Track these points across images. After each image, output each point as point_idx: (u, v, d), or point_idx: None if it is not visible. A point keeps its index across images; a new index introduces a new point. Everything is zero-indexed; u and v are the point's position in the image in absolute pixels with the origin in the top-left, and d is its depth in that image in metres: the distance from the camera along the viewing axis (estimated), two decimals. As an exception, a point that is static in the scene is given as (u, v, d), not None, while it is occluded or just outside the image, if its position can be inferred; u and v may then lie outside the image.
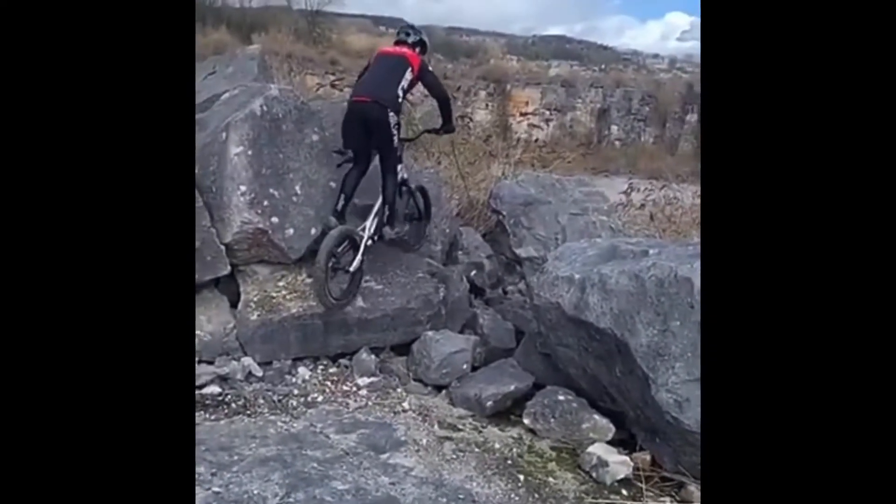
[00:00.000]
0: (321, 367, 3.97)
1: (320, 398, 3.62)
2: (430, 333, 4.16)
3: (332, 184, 4.40)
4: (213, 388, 3.54)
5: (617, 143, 26.15)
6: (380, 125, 4.22)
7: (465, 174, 7.13)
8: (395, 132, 4.26)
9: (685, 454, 2.99)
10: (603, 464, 3.04)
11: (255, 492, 2.58)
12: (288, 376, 3.81)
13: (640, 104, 26.31)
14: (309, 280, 4.13)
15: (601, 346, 3.26)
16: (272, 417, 3.33)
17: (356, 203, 4.53)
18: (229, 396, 3.51)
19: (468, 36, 39.71)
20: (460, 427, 3.41)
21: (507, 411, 3.64)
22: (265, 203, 4.02)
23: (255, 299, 4.03)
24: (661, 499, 2.96)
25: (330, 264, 3.97)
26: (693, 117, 25.23)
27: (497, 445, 3.23)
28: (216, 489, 2.55)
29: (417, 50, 4.63)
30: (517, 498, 2.82)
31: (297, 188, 4.20)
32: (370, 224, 4.33)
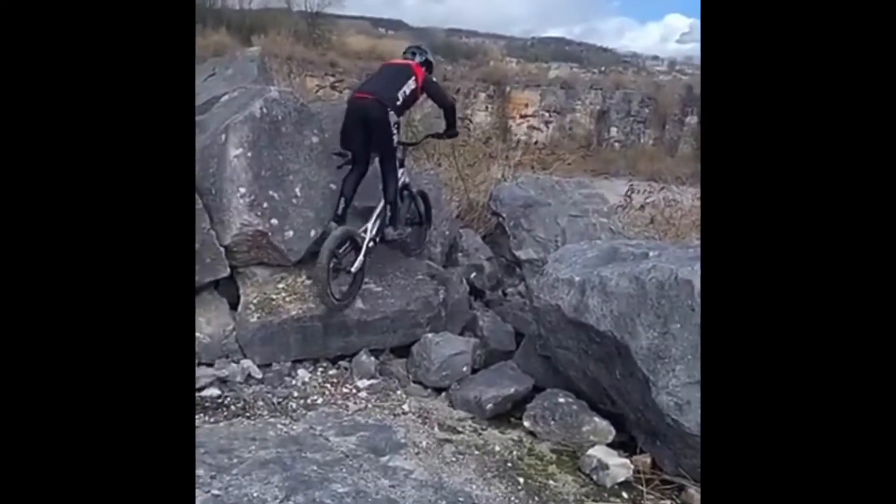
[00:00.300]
0: (321, 369, 3.97)
1: (320, 400, 3.61)
2: (429, 336, 4.15)
3: (332, 186, 4.39)
4: (213, 391, 3.54)
5: (616, 144, 26.16)
6: (379, 124, 4.23)
7: (464, 176, 7.14)
8: (394, 131, 4.27)
9: (685, 457, 2.98)
10: (603, 466, 3.03)
11: (255, 494, 2.57)
12: (287, 378, 3.80)
13: (640, 106, 26.32)
14: (308, 282, 4.13)
15: (601, 348, 3.26)
16: (272, 420, 3.32)
17: (356, 205, 4.53)
18: (229, 399, 3.51)
19: (468, 38, 39.77)
20: (460, 429, 3.40)
21: (507, 414, 3.64)
22: (265, 205, 4.01)
23: (255, 301, 4.02)
24: (662, 501, 2.95)
25: (332, 265, 3.97)
26: (692, 119, 25.24)
27: (497, 448, 3.22)
28: (216, 492, 2.55)
29: (423, 68, 4.69)
30: (517, 500, 2.81)
31: (297, 190, 4.19)
32: (372, 225, 4.33)
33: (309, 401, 3.59)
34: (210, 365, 3.73)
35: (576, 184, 6.73)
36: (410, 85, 4.41)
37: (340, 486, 2.72)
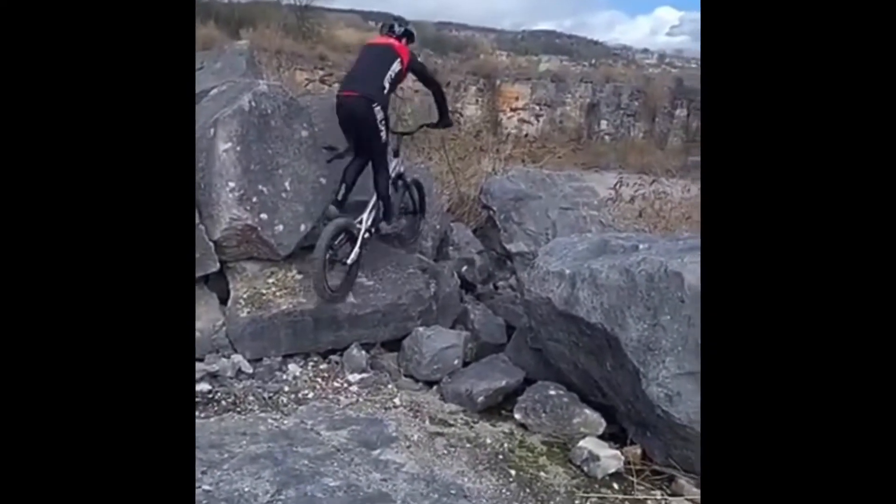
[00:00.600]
0: (312, 363, 3.96)
1: (311, 395, 3.61)
2: (420, 329, 4.15)
3: (322, 180, 4.37)
4: (203, 386, 3.52)
5: (607, 137, 26.17)
6: (366, 122, 4.19)
7: (455, 170, 7.12)
8: (381, 127, 4.22)
9: (675, 448, 3.00)
10: (594, 458, 3.04)
11: (246, 489, 2.57)
12: (278, 373, 3.79)
13: (630, 99, 26.33)
14: (299, 276, 4.13)
15: (592, 340, 3.27)
16: (262, 415, 3.32)
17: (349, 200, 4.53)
18: (219, 394, 3.50)
19: (458, 31, 39.64)
20: (451, 422, 3.41)
21: (498, 406, 3.64)
22: (254, 199, 4.00)
23: (245, 296, 4.01)
24: (652, 492, 2.97)
25: (327, 256, 3.97)
26: (682, 112, 25.31)
27: (488, 440, 3.23)
28: (206, 487, 2.54)
29: (404, 41, 4.58)
30: (508, 493, 2.82)
31: (287, 184, 4.17)
32: (367, 217, 4.33)
33: (300, 395, 3.59)
34: (200, 360, 3.71)
35: (566, 177, 6.76)
36: (395, 67, 4.33)
37: (332, 479, 2.72)
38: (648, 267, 3.07)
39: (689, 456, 2.97)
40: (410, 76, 4.67)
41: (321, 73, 19.66)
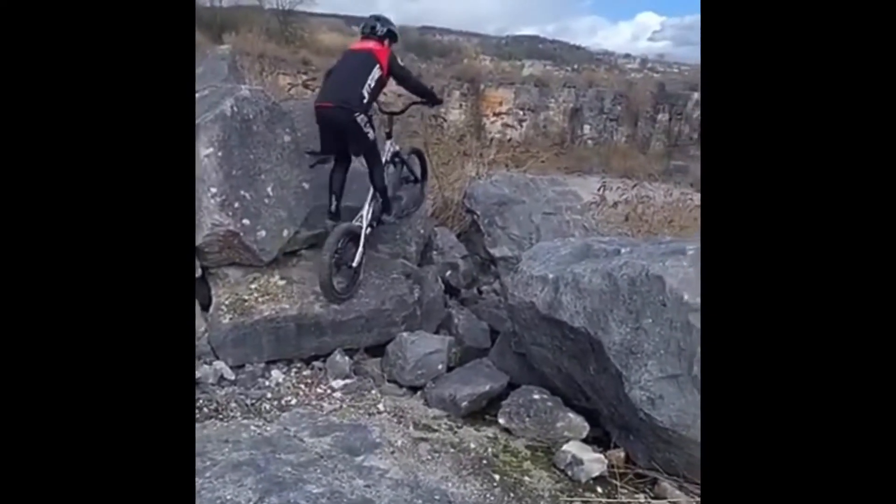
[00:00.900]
0: (295, 369, 3.94)
1: (294, 401, 3.59)
2: (404, 334, 4.15)
3: (305, 185, 4.36)
4: (185, 393, 3.49)
5: (590, 142, 26.34)
6: (349, 129, 4.20)
7: (439, 174, 7.14)
8: (366, 130, 4.23)
9: (658, 451, 3.02)
10: (577, 462, 3.05)
11: (229, 497, 2.54)
12: (261, 379, 3.77)
13: (613, 104, 26.53)
14: (282, 282, 4.13)
15: (575, 344, 3.28)
16: (245, 421, 3.29)
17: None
18: (201, 401, 3.46)
19: (441, 35, 39.76)
20: (435, 428, 3.40)
21: (482, 411, 3.65)
22: (236, 205, 3.97)
23: (227, 302, 3.98)
24: (636, 495, 2.98)
25: (333, 260, 4.05)
26: (664, 116, 25.53)
27: (472, 445, 3.23)
28: (188, 496, 2.51)
29: (386, 42, 4.53)
30: (492, 498, 2.82)
31: (269, 189, 4.16)
32: (366, 214, 4.40)
33: (283, 402, 3.56)
34: (182, 367, 3.67)
35: (549, 181, 6.77)
36: (375, 75, 4.29)
37: (315, 486, 2.70)
38: (630, 271, 3.08)
39: (671, 459, 2.99)
40: None
41: (304, 77, 19.58)
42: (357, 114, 4.15)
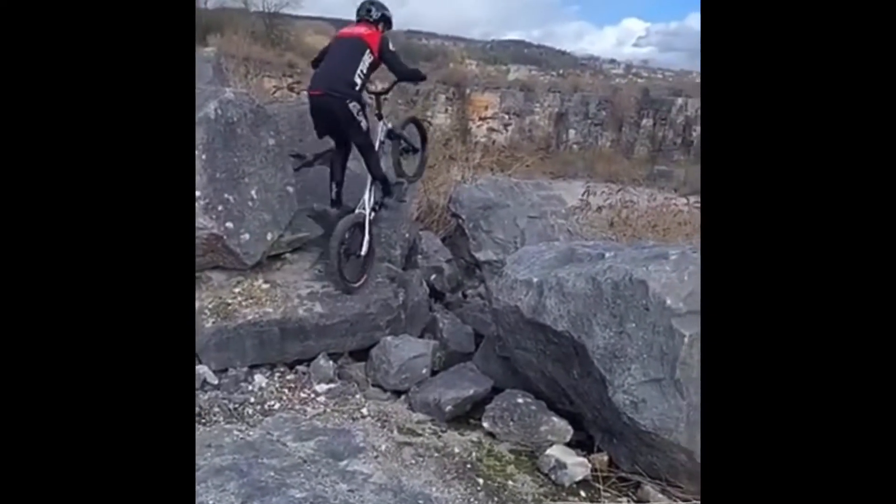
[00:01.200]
0: (278, 374, 3.91)
1: (277, 405, 3.57)
2: (389, 338, 4.13)
3: (289, 188, 4.35)
4: (167, 398, 3.46)
5: (575, 146, 26.50)
6: (341, 117, 4.25)
7: (424, 178, 7.12)
8: (359, 118, 4.28)
9: (641, 454, 3.03)
10: (561, 466, 3.06)
11: (211, 502, 2.52)
12: (244, 384, 3.74)
13: (597, 108, 26.71)
14: (265, 286, 4.11)
15: (559, 348, 3.29)
16: (228, 426, 3.27)
17: (315, 208, 4.53)
18: (183, 405, 3.43)
19: (427, 40, 39.80)
20: (419, 432, 3.40)
21: (466, 415, 3.64)
22: (220, 208, 3.95)
23: (210, 306, 3.95)
24: (619, 499, 2.99)
25: (342, 251, 4.17)
26: (648, 122, 25.72)
27: (456, 450, 3.23)
28: (169, 501, 2.49)
29: (380, 26, 4.53)
30: (476, 502, 2.82)
31: (253, 193, 4.14)
32: (367, 203, 4.48)
33: (266, 406, 3.54)
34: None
35: (534, 185, 6.79)
36: (366, 60, 4.31)
37: (298, 491, 2.69)
38: (614, 275, 3.10)
39: (654, 462, 3.00)
40: None
41: (289, 80, 19.54)
42: (349, 101, 4.19)
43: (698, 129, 24.41)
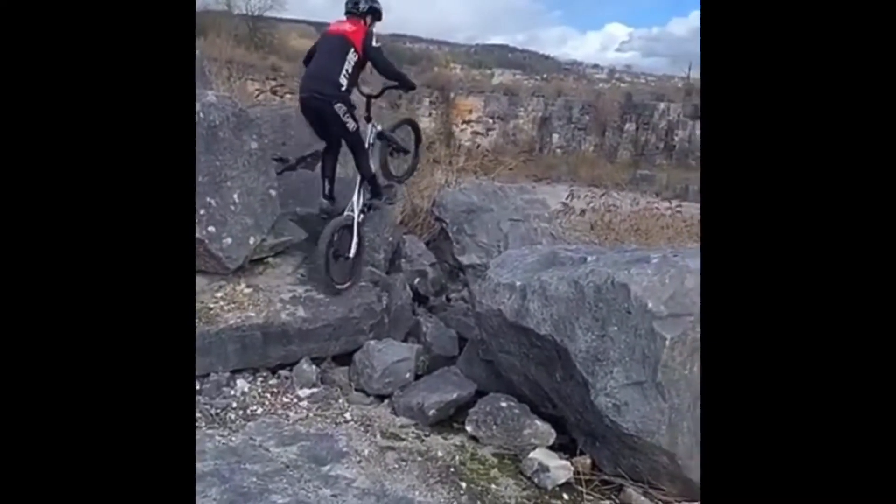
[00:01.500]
0: (260, 378, 3.89)
1: (260, 410, 3.55)
2: (372, 343, 4.12)
3: (272, 192, 4.33)
4: (148, 403, 3.42)
5: (558, 150, 26.57)
6: (329, 118, 4.29)
7: (408, 182, 7.12)
8: (346, 120, 4.30)
9: (624, 457, 3.05)
10: (544, 469, 3.07)
11: (191, 509, 2.50)
12: (226, 389, 3.71)
13: (581, 113, 26.80)
14: (248, 290, 4.08)
15: (542, 352, 3.30)
16: (210, 431, 3.24)
17: (298, 211, 4.51)
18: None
19: (412, 43, 39.84)
20: (403, 436, 3.39)
21: (449, 419, 3.64)
22: (201, 212, 3.92)
23: (192, 310, 3.92)
24: (602, 502, 3.01)
25: (330, 253, 4.20)
26: (631, 126, 25.88)
27: (440, 454, 3.23)
28: (149, 508, 2.47)
29: (369, 19, 4.50)
30: (459, 506, 2.82)
31: (235, 196, 4.11)
32: (356, 204, 4.50)
33: (248, 411, 3.52)
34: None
35: (518, 189, 6.81)
36: (351, 60, 4.29)
37: (281, 497, 2.68)
38: (596, 279, 3.12)
39: (636, 465, 3.02)
40: None
41: (273, 83, 19.49)
42: (335, 102, 4.21)
43: (680, 133, 24.65)
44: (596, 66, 42.91)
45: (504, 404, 3.48)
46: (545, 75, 35.67)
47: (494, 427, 3.40)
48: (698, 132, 23.48)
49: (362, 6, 4.48)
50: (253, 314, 3.93)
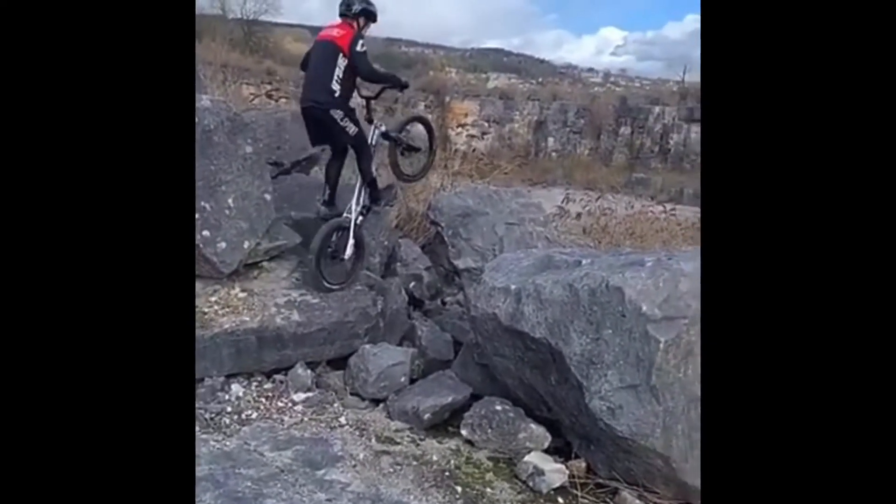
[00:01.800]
0: (255, 383, 3.88)
1: (254, 415, 3.54)
2: (367, 347, 4.12)
3: (267, 196, 4.33)
4: (142, 408, 3.41)
5: (553, 154, 26.63)
6: (327, 125, 4.33)
7: (404, 185, 7.12)
8: (344, 125, 4.33)
9: (618, 460, 3.05)
10: (539, 472, 3.07)
11: (185, 514, 2.49)
12: (220, 393, 3.70)
13: (576, 117, 26.87)
14: (242, 294, 4.08)
15: (537, 355, 3.30)
16: (204, 436, 3.23)
17: (292, 216, 4.51)
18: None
19: (407, 47, 39.89)
20: (398, 440, 3.39)
21: (444, 423, 3.64)
22: (196, 216, 3.91)
23: (187, 315, 3.91)
24: (596, 505, 3.01)
25: (324, 253, 4.32)
26: (626, 130, 25.95)
27: (435, 458, 3.22)
28: (143, 513, 2.46)
29: (362, 20, 4.49)
30: (455, 510, 2.82)
31: (230, 201, 4.11)
32: (354, 207, 4.52)
33: (243, 416, 3.51)
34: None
35: (513, 193, 6.82)
36: (341, 65, 4.29)
37: (275, 501, 2.68)
38: (591, 282, 3.12)
39: (631, 468, 3.02)
40: None
41: (268, 87, 19.49)
42: (331, 109, 4.26)
43: (675, 136, 24.73)
44: (591, 69, 42.98)
45: (499, 408, 3.48)
46: (540, 79, 35.75)
47: (489, 431, 3.40)
48: (693, 135, 23.60)
49: (355, 8, 4.47)
50: (248, 318, 3.93)
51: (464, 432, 3.45)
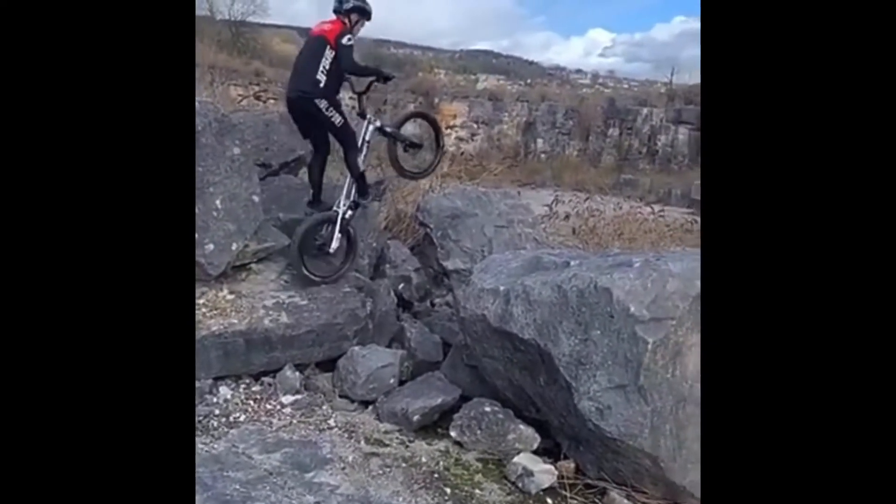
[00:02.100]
0: (243, 385, 3.86)
1: (243, 418, 3.52)
2: (356, 348, 4.11)
3: (255, 197, 4.31)
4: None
5: (542, 155, 26.65)
6: (313, 116, 4.38)
7: (392, 187, 7.11)
8: (330, 114, 4.36)
9: (607, 461, 3.06)
10: (528, 473, 3.07)
11: (173, 518, 2.48)
12: (208, 396, 3.69)
13: (565, 118, 26.90)
14: (230, 296, 4.06)
15: (525, 356, 3.31)
16: (192, 439, 3.21)
17: (280, 217, 4.50)
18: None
19: (396, 49, 39.86)
20: (387, 442, 3.38)
21: (434, 425, 3.64)
22: (184, 218, 3.89)
23: (174, 317, 3.88)
24: (585, 505, 3.01)
25: (313, 243, 4.39)
26: (614, 131, 26.03)
27: (424, 459, 3.22)
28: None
29: (354, 17, 4.56)
30: (444, 511, 2.82)
31: (218, 202, 4.09)
32: (343, 202, 4.54)
33: (231, 418, 3.49)
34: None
35: (502, 194, 6.81)
36: (328, 56, 4.37)
37: (263, 504, 2.67)
38: (579, 283, 3.13)
39: (619, 469, 3.03)
40: None
41: (256, 88, 19.40)
42: (316, 99, 4.30)
43: (663, 138, 24.81)
44: (579, 71, 43.28)
45: (488, 409, 3.48)
46: (529, 80, 35.83)
47: (479, 432, 3.40)
48: (681, 137, 23.70)
49: (346, 4, 4.55)
50: (235, 321, 3.91)
51: (453, 434, 3.45)
